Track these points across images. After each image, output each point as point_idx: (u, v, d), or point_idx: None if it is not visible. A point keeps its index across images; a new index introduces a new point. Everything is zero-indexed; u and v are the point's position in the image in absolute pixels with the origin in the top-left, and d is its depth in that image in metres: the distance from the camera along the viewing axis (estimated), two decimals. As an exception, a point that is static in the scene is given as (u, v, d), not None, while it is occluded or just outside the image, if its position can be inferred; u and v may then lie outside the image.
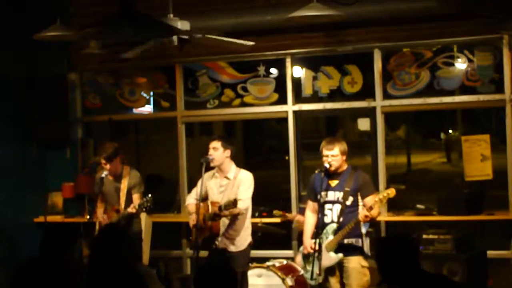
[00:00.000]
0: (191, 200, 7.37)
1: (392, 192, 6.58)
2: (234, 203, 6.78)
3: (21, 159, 9.04)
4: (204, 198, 7.25)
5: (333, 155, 6.67)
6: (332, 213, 6.68)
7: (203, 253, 7.05)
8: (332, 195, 6.71)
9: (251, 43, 6.70)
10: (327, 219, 6.70)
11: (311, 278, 6.64)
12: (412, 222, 8.18)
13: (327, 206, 6.71)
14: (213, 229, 7.07)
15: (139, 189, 7.63)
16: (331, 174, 6.73)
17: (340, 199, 6.65)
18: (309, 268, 6.70)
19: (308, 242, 6.73)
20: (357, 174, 6.73)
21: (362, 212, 6.52)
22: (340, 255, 6.61)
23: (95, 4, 8.71)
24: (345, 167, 6.78)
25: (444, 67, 8.29)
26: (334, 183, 6.73)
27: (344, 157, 6.74)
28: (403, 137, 20.97)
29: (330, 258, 6.62)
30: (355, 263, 6.61)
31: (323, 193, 6.71)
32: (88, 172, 9.01)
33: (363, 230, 6.64)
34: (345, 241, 6.61)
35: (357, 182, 6.68)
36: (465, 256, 7.39)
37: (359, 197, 6.69)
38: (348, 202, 6.64)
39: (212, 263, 4.33)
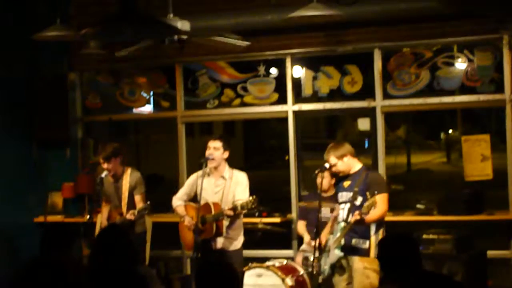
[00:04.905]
0: (179, 202, 7.31)
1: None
2: (253, 203, 6.79)
3: (21, 159, 9.04)
4: (191, 198, 7.26)
5: (332, 164, 6.75)
6: (343, 213, 6.73)
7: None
8: (345, 196, 6.78)
9: (246, 43, 6.66)
10: (339, 218, 6.79)
11: (320, 272, 6.68)
12: (412, 222, 8.18)
13: (341, 206, 6.80)
14: (219, 229, 7.06)
15: (140, 190, 7.61)
16: (345, 176, 6.82)
17: (349, 198, 6.68)
18: (318, 262, 6.76)
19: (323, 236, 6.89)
20: (367, 174, 6.76)
21: (354, 216, 6.52)
22: (341, 254, 6.66)
23: (95, 4, 8.72)
24: (357, 167, 6.81)
25: (444, 67, 8.29)
26: (347, 184, 6.81)
27: (347, 159, 6.76)
28: (403, 137, 20.99)
29: (334, 255, 6.69)
30: (358, 264, 6.62)
31: (339, 194, 6.83)
32: (88, 172, 9.02)
33: (372, 231, 6.63)
34: (353, 241, 6.64)
35: (365, 182, 6.68)
36: (465, 256, 7.39)
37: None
38: (357, 202, 6.64)
39: (215, 263, 4.31)
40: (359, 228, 6.61)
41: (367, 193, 6.55)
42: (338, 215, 6.80)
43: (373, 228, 6.64)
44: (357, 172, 6.78)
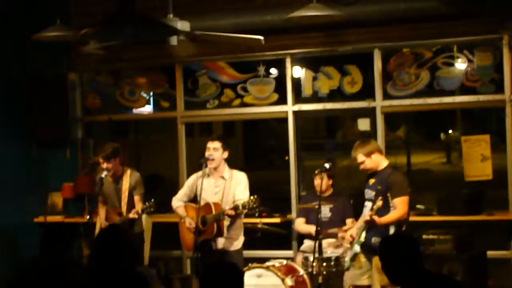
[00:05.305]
0: (179, 203, 7.33)
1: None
2: (255, 202, 6.79)
3: (21, 159, 9.04)
4: (191, 199, 7.26)
5: (360, 162, 6.82)
6: (366, 210, 6.78)
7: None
8: (369, 194, 6.82)
9: (260, 37, 6.69)
10: (362, 216, 6.86)
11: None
12: (412, 222, 8.17)
13: (365, 203, 6.86)
14: (220, 229, 7.05)
15: (139, 191, 7.61)
16: (371, 173, 6.86)
17: (372, 197, 6.70)
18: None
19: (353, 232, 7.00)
20: (390, 174, 6.77)
21: (366, 216, 6.58)
22: (357, 250, 6.74)
23: (95, 4, 8.72)
24: (383, 165, 6.84)
25: (444, 67, 8.29)
26: (372, 181, 6.84)
27: (374, 156, 6.80)
28: (403, 137, 20.96)
29: (353, 250, 6.81)
30: (377, 262, 6.62)
31: (365, 190, 6.88)
32: (88, 172, 9.02)
33: (391, 231, 6.63)
34: (372, 239, 6.65)
35: (387, 182, 6.69)
36: (465, 256, 7.39)
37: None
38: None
39: (221, 263, 4.31)
40: (378, 228, 6.62)
41: (388, 194, 6.61)
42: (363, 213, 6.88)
43: (392, 229, 6.64)
44: (382, 170, 6.82)
